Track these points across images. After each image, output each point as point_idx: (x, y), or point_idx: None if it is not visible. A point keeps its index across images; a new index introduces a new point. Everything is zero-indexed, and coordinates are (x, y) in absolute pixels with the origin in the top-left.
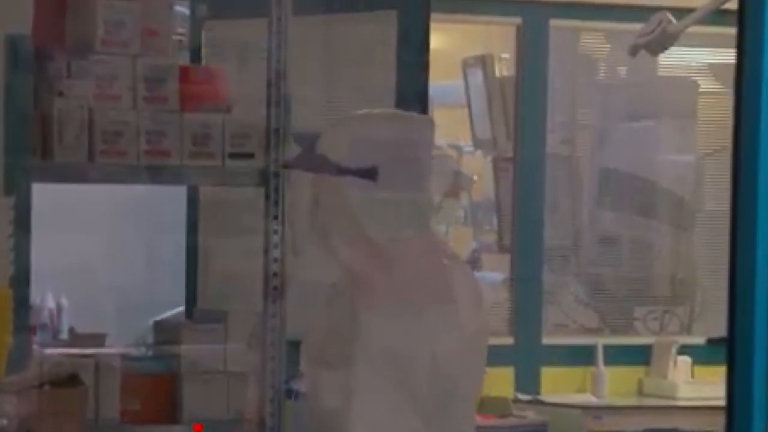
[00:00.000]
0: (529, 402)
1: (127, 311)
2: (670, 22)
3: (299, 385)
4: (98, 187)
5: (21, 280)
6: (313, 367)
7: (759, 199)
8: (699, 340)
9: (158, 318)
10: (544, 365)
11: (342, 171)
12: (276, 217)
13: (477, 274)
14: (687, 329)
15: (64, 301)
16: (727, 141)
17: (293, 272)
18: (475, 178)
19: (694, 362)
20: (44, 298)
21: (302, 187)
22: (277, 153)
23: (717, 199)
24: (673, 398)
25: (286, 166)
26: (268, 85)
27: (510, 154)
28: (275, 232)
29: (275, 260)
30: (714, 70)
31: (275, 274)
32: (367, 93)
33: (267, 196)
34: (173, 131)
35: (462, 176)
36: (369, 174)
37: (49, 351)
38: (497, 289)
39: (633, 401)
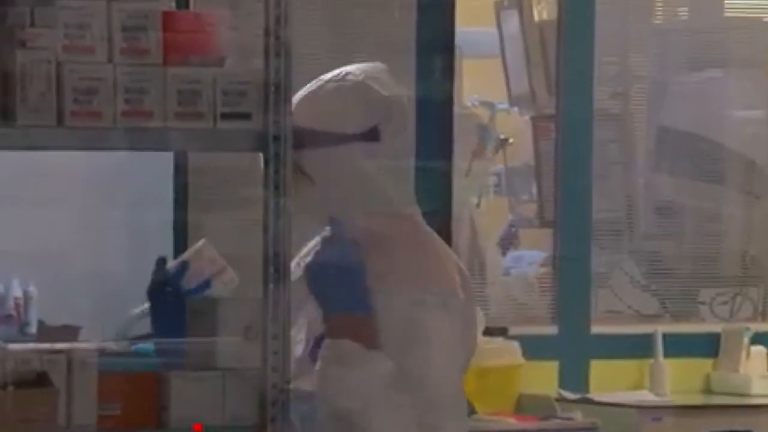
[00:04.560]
0: (576, 401)
1: (106, 300)
2: None
3: (308, 384)
4: (70, 155)
5: None
6: (326, 363)
7: None
8: None
9: (142, 308)
10: (594, 358)
11: (342, 138)
12: (277, 188)
13: (514, 253)
14: (761, 314)
15: (33, 289)
16: None
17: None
18: (511, 140)
19: None
20: (9, 285)
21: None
22: (277, 113)
23: None
24: (747, 395)
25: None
26: (266, 33)
27: (551, 112)
28: (276, 205)
29: (276, 238)
30: None
31: (276, 255)
32: (383, 42)
33: (266, 163)
34: (156, 88)
35: (489, 134)
36: (371, 136)
37: (13, 347)
38: (538, 270)
39: (699, 399)
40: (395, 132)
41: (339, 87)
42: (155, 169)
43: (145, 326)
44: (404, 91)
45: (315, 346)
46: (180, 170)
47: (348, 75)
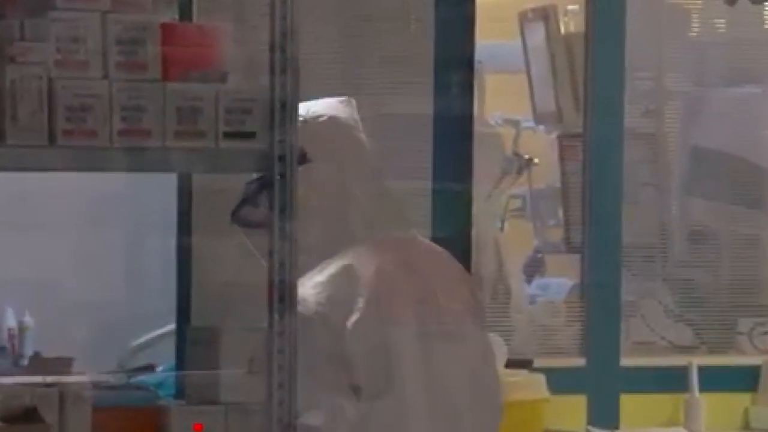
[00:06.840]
0: None
1: (106, 330)
2: None
3: (311, 418)
4: (63, 177)
5: None
6: (330, 397)
7: None
8: None
9: (142, 339)
10: (624, 392)
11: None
12: (283, 210)
13: (540, 280)
14: None
15: (28, 320)
16: None
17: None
18: (536, 160)
19: None
20: (3, 315)
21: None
22: (283, 131)
23: None
24: None
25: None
26: (272, 48)
27: (579, 131)
28: (282, 228)
29: (282, 264)
30: None
31: (282, 282)
32: (397, 57)
33: (272, 185)
34: (154, 106)
35: (513, 154)
36: (301, 160)
37: (3, 380)
38: (564, 299)
39: None
40: (322, 151)
41: None
42: (157, 191)
43: (145, 358)
44: (322, 113)
45: None
46: (182, 193)
47: None
